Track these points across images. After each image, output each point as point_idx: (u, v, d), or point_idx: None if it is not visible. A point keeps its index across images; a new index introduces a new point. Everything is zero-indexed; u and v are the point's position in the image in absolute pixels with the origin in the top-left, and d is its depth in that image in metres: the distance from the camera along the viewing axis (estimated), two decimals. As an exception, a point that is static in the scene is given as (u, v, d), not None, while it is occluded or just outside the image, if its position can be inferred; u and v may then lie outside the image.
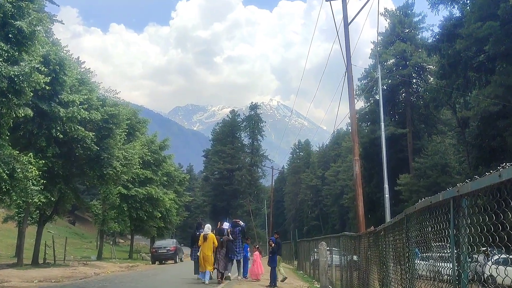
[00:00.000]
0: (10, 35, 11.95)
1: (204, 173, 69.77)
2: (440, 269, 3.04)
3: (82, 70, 19.33)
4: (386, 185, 16.17)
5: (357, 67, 26.78)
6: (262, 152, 68.36)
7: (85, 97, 17.39)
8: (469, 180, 2.37)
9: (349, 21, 14.47)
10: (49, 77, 15.21)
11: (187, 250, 29.44)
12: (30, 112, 13.53)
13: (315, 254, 16.60)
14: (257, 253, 14.77)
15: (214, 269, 13.06)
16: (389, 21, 38.69)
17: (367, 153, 36.39)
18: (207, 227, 13.23)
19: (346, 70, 14.18)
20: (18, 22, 11.98)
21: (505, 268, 2.45)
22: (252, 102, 71.49)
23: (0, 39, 11.88)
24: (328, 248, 13.06)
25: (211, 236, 13.00)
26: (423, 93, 34.59)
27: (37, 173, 14.20)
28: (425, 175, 30.59)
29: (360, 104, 40.93)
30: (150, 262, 28.34)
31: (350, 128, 17.47)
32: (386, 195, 15.97)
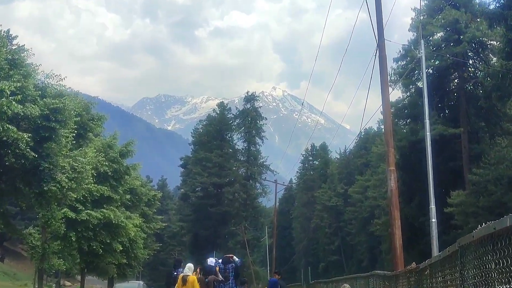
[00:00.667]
0: None
1: (182, 190, 70.33)
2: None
3: (13, 47, 19.31)
4: (432, 206, 16.22)
5: (393, 43, 24.54)
6: (262, 160, 69.00)
7: (18, 84, 17.31)
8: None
9: (381, -20, 14.41)
10: (-32, 58, 15.00)
11: (158, 295, 29.11)
12: None
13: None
14: None
15: None
16: (436, -21, 38.28)
17: (406, 161, 36.59)
18: (188, 268, 13.74)
19: (377, 48, 14.22)
20: None
21: None
22: (248, 92, 72.12)
23: None
24: (354, 292, 12.50)
25: (192, 279, 13.39)
26: (483, 79, 34.33)
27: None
28: (486, 192, 30.59)
29: (396, 94, 44.03)
30: (108, 313, 28.72)
31: (382, 127, 18.62)
32: (433, 220, 16.00)
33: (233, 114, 70.52)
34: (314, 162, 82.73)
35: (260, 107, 72.32)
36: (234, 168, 66.55)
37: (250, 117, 68.73)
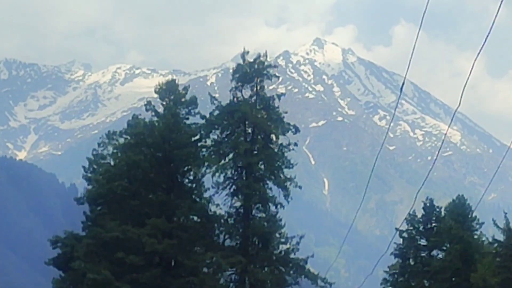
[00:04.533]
0: None
1: None
2: None
3: None
4: None
5: None
6: (284, 246, 69.63)
7: None
8: None
9: None
10: None
11: None
12: None
13: None
14: None
15: None
16: None
17: None
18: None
19: None
20: None
21: None
22: (244, 52, 71.91)
23: None
24: None
25: None
26: None
27: None
28: None
29: None
30: None
31: None
32: None
33: (203, 117, 71.46)
34: (433, 253, 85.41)
35: (280, 95, 72.62)
36: (206, 270, 68.33)
37: (252, 123, 70.06)
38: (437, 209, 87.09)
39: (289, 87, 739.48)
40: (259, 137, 68.72)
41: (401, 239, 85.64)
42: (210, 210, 69.24)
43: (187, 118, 69.68)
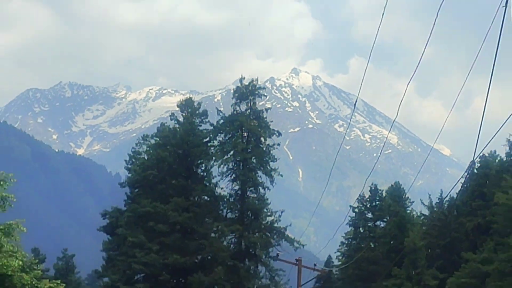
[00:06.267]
0: None
1: (107, 279, 69.40)
2: None
3: None
4: None
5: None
6: (270, 219, 68.44)
7: None
8: None
9: None
10: None
11: None
12: None
13: None
14: None
15: None
16: None
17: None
18: None
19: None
20: None
21: None
22: (242, 78, 70.43)
23: None
24: None
25: None
26: None
27: None
28: None
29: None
30: None
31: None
32: None
33: (211, 124, 70.18)
34: (377, 223, 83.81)
35: (267, 109, 72.07)
36: (213, 235, 67.36)
37: (247, 129, 68.34)
38: (380, 192, 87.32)
39: (274, 103, 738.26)
40: (252, 139, 68.66)
41: (354, 213, 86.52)
42: (217, 192, 69.70)
43: (200, 125, 70.32)
